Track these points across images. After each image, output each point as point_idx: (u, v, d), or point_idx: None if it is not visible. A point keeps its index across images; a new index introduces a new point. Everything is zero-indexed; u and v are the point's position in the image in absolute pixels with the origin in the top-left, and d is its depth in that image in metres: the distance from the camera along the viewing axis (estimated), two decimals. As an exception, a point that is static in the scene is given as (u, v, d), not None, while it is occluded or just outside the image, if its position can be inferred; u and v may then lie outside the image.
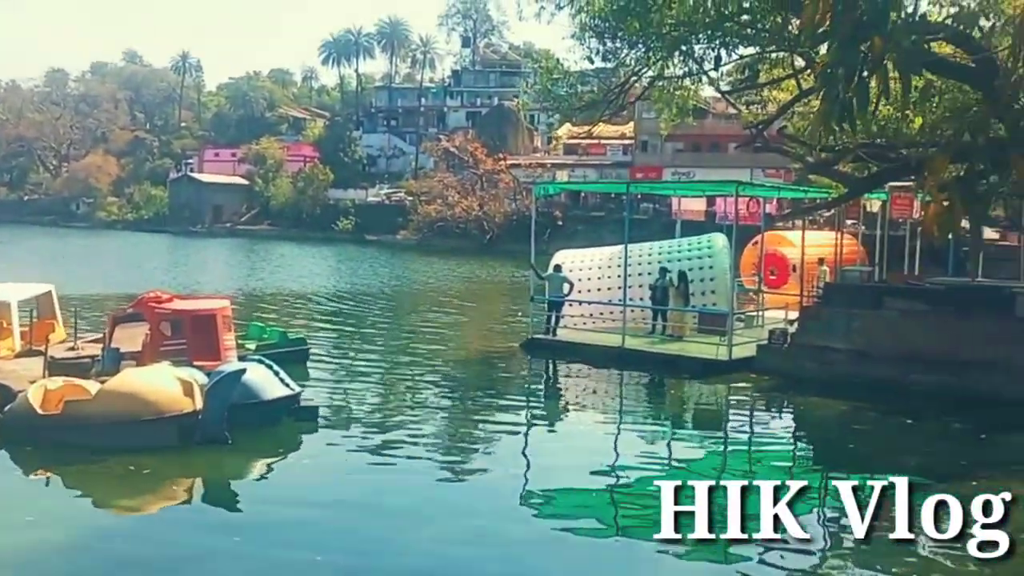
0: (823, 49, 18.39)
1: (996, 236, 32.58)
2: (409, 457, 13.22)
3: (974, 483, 12.51)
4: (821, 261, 25.97)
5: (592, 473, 12.55)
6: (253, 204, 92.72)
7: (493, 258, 59.73)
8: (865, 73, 4.66)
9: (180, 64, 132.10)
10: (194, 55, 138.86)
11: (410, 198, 78.59)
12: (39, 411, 12.95)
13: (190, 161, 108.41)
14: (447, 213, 72.68)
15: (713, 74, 23.34)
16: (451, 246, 68.76)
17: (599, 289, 23.77)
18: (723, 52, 21.24)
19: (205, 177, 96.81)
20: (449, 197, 73.95)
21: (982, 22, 8.43)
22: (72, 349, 17.66)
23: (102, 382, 13.67)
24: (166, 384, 13.10)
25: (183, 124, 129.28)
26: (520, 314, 25.25)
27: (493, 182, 74.45)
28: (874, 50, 4.63)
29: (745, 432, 16.45)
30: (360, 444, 13.92)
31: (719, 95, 28.08)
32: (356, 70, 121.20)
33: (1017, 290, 18.20)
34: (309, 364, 19.46)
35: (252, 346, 19.03)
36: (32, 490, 12.04)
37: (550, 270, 23.21)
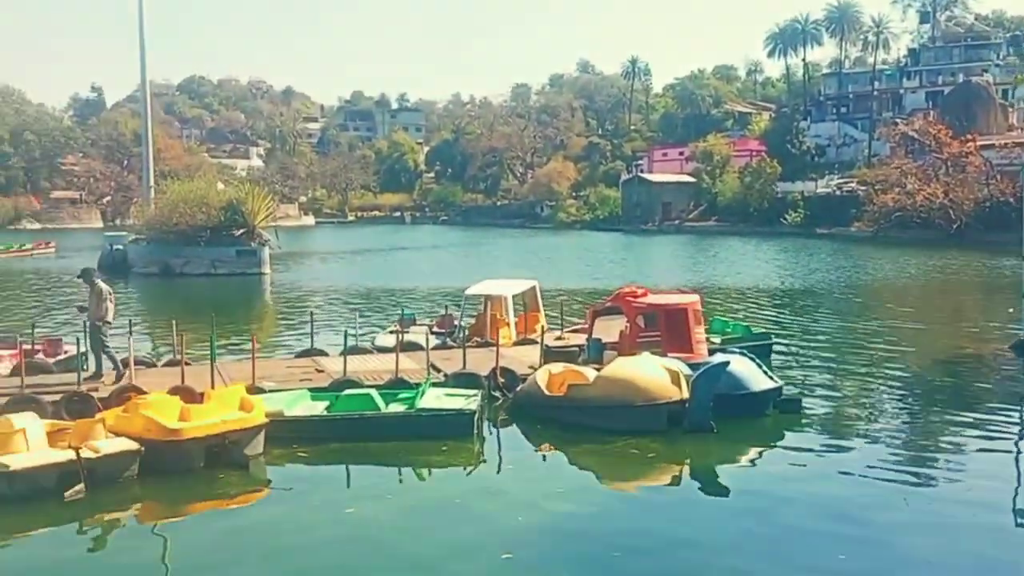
0: None
1: None
2: (881, 463, 12.51)
3: None
4: None
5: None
6: (700, 201, 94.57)
7: (961, 250, 54.81)
8: None
9: (630, 69, 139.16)
10: (642, 59, 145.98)
11: (863, 188, 74.87)
12: (546, 392, 14.52)
13: (640, 162, 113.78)
14: (906, 202, 68.21)
15: None
16: (911, 237, 64.34)
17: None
18: None
19: (654, 177, 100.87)
20: (908, 185, 69.35)
21: None
22: (559, 339, 19.53)
23: (597, 369, 14.97)
24: (655, 373, 13.94)
25: (632, 127, 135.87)
26: (1011, 310, 22.93)
27: (960, 166, 68.29)
28: None
29: None
30: (841, 444, 13.63)
31: None
32: (803, 59, 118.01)
33: None
34: (773, 359, 19.34)
35: (717, 339, 19.44)
36: (546, 466, 13.21)
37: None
